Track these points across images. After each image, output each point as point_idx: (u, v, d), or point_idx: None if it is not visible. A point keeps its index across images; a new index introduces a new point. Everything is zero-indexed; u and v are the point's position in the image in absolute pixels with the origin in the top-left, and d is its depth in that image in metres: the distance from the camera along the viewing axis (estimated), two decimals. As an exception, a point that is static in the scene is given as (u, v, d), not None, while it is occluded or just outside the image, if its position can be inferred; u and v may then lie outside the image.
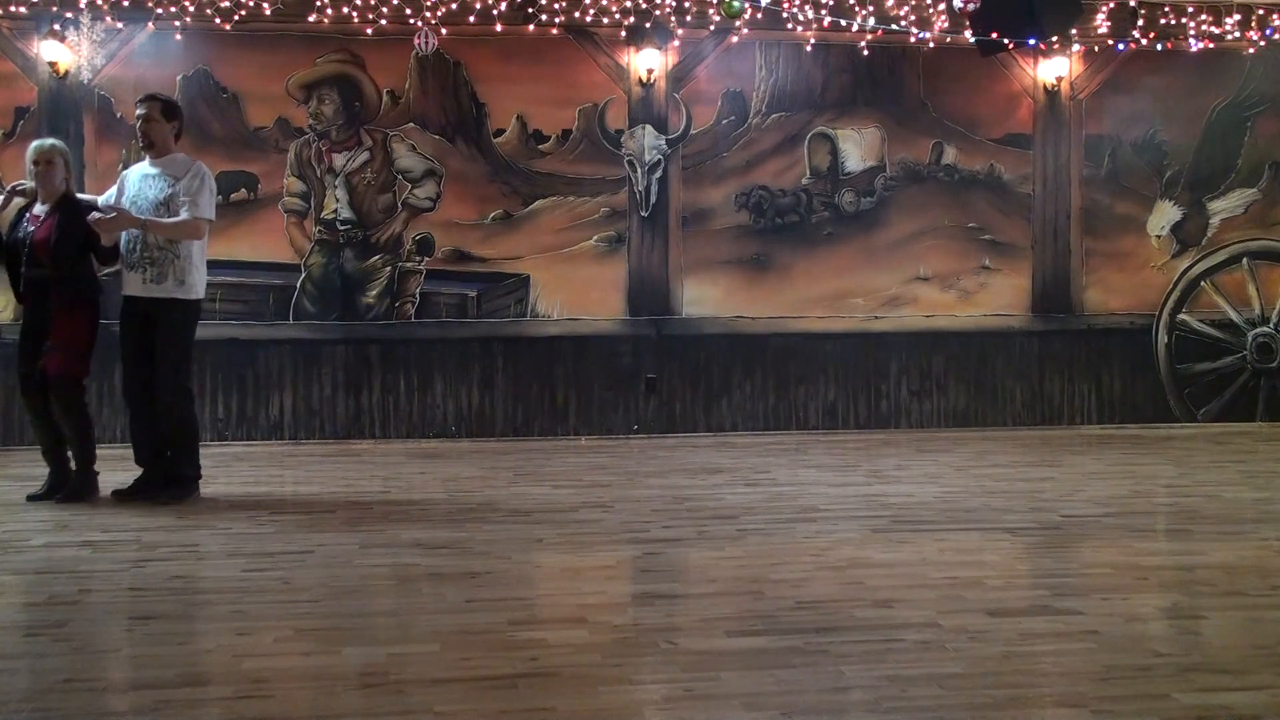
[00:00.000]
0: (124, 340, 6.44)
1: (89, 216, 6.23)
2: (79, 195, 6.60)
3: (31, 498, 6.39)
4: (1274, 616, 4.35)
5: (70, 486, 6.38)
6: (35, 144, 6.48)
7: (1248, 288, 9.48)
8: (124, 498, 6.36)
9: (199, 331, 8.28)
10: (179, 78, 8.50)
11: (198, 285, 6.45)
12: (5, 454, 8.09)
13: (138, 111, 6.46)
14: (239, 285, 8.57)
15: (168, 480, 6.43)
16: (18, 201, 6.54)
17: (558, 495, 6.66)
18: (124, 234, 6.36)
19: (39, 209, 6.38)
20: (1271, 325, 9.48)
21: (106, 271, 6.62)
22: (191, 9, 8.32)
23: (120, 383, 6.59)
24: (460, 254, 8.80)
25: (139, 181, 6.43)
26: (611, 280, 8.93)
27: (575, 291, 8.88)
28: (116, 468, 6.64)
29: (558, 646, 3.94)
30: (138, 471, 6.50)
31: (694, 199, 9.00)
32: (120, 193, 6.47)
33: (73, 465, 6.46)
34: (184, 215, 6.29)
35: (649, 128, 8.89)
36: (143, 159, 6.59)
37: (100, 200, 6.56)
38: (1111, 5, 9.10)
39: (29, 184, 6.45)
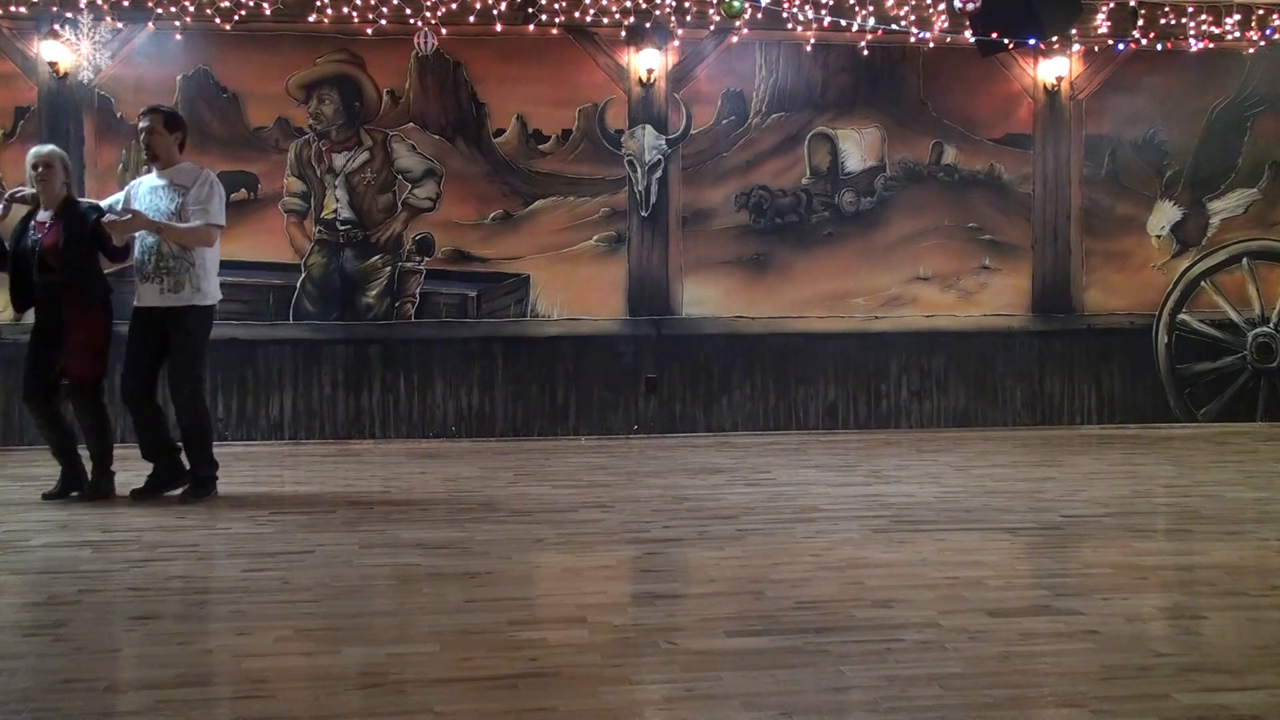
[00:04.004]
0: (131, 345, 6.45)
1: (104, 219, 6.27)
2: (79, 200, 6.61)
3: (46, 496, 6.41)
4: (1274, 616, 4.35)
5: (92, 485, 6.41)
6: (34, 150, 6.49)
7: (1248, 288, 9.48)
8: (140, 496, 6.39)
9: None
10: (179, 78, 8.51)
11: (213, 291, 6.51)
12: (5, 454, 8.09)
13: (140, 124, 6.49)
14: (239, 285, 8.54)
15: (190, 479, 6.49)
16: (18, 209, 6.55)
17: (558, 495, 6.66)
18: (138, 246, 6.38)
19: (43, 215, 6.39)
20: (1271, 325, 9.48)
21: (112, 270, 6.62)
22: (191, 9, 8.33)
23: (120, 384, 6.55)
24: (460, 254, 8.80)
25: (148, 195, 6.44)
26: (611, 280, 8.93)
27: (575, 291, 8.88)
28: (124, 467, 6.63)
29: (558, 646, 3.94)
30: (149, 469, 6.53)
31: (694, 199, 9.00)
32: (127, 204, 6.48)
33: (88, 464, 6.48)
34: (196, 223, 6.31)
35: (649, 128, 8.89)
36: (146, 167, 6.60)
37: (105, 204, 6.57)
38: (1111, 5, 9.10)
39: (28, 190, 6.45)
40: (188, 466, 6.53)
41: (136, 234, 6.37)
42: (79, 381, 6.33)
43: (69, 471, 6.48)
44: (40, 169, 6.34)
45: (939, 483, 7.02)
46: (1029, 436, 8.98)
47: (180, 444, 6.54)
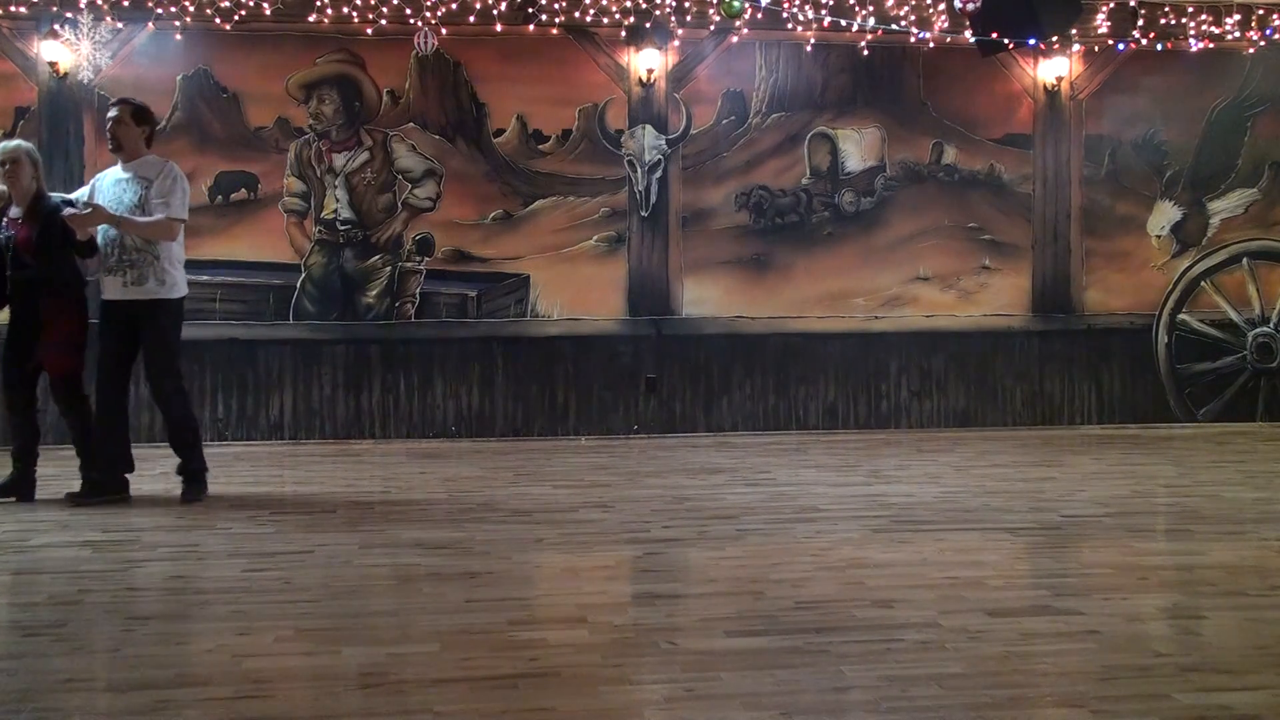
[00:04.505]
0: (103, 342, 6.43)
1: (63, 213, 6.27)
2: (51, 194, 6.60)
3: None
4: (1274, 616, 4.35)
5: (85, 488, 6.38)
6: None
7: (1248, 288, 9.47)
8: (78, 502, 6.27)
9: (198, 331, 8.36)
10: (179, 78, 8.51)
11: (179, 283, 6.46)
12: (6, 454, 8.07)
13: (109, 114, 6.50)
14: (239, 285, 8.57)
15: (184, 476, 6.48)
16: None
17: (558, 495, 6.66)
18: (101, 238, 6.39)
19: (15, 212, 6.38)
20: (1271, 325, 9.48)
21: (92, 274, 6.61)
22: (191, 9, 8.32)
23: (96, 384, 6.49)
24: (460, 254, 8.80)
25: (113, 187, 6.44)
26: (611, 280, 8.93)
27: (575, 291, 8.88)
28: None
29: (558, 646, 3.94)
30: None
31: (694, 199, 9.00)
32: (92, 196, 6.47)
33: (78, 465, 6.47)
34: (158, 216, 6.31)
35: (649, 128, 8.89)
36: (115, 163, 6.60)
37: (73, 197, 6.57)
38: (1111, 5, 9.10)
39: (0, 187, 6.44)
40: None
41: (102, 229, 6.35)
42: (57, 376, 6.34)
43: (21, 474, 6.43)
44: (7, 165, 6.31)
45: (939, 483, 7.02)
46: (1029, 436, 8.97)
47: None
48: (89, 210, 6.24)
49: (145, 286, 6.32)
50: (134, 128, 6.42)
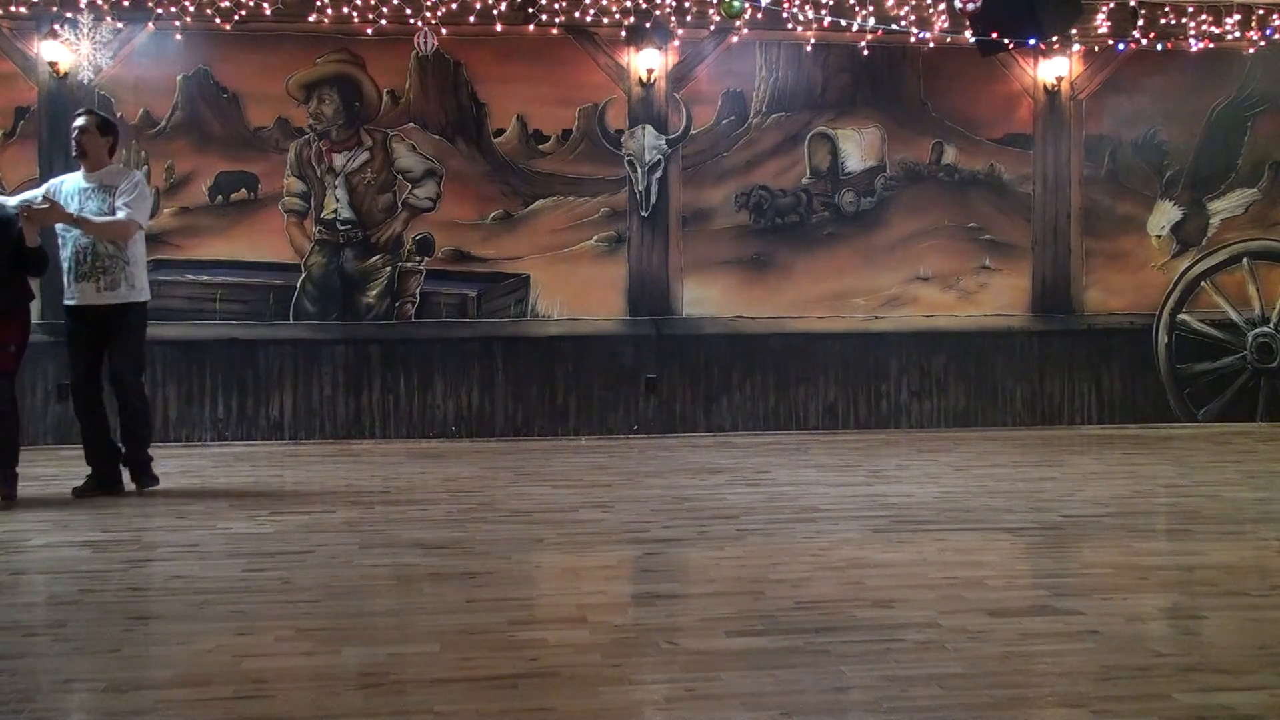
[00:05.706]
0: (74, 347, 6.54)
1: (21, 206, 6.30)
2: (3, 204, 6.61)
3: None
4: (1274, 616, 4.35)
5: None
6: None
7: (1248, 288, 9.48)
8: (82, 495, 6.43)
9: (198, 331, 8.40)
10: (179, 78, 8.51)
11: (146, 286, 6.62)
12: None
13: (76, 124, 6.58)
14: (239, 285, 8.57)
15: (136, 469, 6.58)
16: None
17: (558, 495, 6.66)
18: (71, 245, 6.45)
19: None
20: (1271, 325, 9.48)
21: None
22: (191, 9, 8.33)
23: (71, 388, 6.61)
24: (460, 254, 8.80)
25: (75, 195, 6.50)
26: (611, 280, 8.93)
27: (575, 291, 8.88)
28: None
29: (558, 646, 3.94)
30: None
31: (694, 199, 9.00)
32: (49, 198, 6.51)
33: None
34: (118, 215, 6.39)
35: (649, 128, 8.89)
36: (69, 170, 6.66)
37: (15, 201, 6.56)
38: (1111, 5, 9.10)
39: None
40: (123, 466, 6.63)
41: (70, 236, 6.42)
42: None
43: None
44: None
45: (939, 483, 7.02)
46: (1029, 436, 8.97)
47: (120, 447, 6.62)
48: (47, 206, 6.29)
49: (118, 291, 6.45)
50: (99, 138, 6.54)
